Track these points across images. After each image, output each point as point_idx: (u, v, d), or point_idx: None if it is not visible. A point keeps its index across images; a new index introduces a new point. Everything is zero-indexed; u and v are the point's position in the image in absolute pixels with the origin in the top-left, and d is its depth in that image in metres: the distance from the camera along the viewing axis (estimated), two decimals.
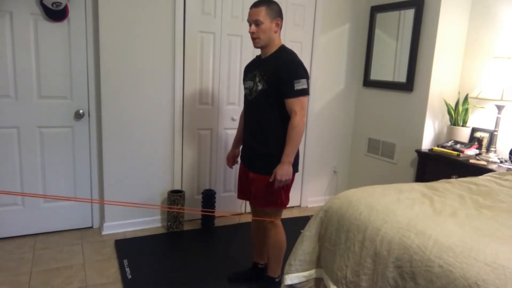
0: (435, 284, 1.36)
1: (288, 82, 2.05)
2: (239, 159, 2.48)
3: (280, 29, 2.17)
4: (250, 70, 2.27)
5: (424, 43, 3.14)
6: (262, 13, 2.06)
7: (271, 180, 2.10)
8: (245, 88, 2.29)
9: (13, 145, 2.82)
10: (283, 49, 2.17)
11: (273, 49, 2.16)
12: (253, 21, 2.08)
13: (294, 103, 2.06)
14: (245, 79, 2.31)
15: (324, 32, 3.64)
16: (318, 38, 3.61)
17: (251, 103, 2.22)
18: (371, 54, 3.68)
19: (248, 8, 2.50)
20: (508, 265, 1.25)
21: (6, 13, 2.65)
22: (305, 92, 2.08)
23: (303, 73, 2.08)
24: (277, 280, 2.35)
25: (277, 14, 2.12)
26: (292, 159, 2.11)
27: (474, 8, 3.09)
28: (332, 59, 3.73)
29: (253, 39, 2.13)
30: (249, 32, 2.12)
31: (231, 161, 2.54)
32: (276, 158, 2.13)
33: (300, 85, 2.05)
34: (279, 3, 2.16)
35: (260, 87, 2.14)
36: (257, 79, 2.16)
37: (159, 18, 2.98)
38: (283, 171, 2.08)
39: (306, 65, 3.57)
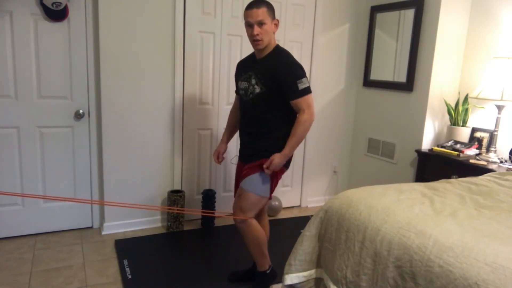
0: (435, 284, 1.36)
1: (292, 85, 2.07)
2: (225, 156, 2.45)
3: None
4: (244, 70, 2.26)
5: (424, 43, 3.13)
6: (265, 13, 2.04)
7: (265, 166, 2.12)
8: (239, 89, 2.28)
9: (13, 145, 2.82)
10: (278, 50, 2.16)
11: (269, 50, 2.16)
12: (256, 22, 2.04)
13: (301, 103, 2.09)
14: (238, 77, 2.31)
15: (324, 32, 3.64)
16: (318, 38, 3.61)
17: (247, 104, 2.21)
18: (371, 54, 3.68)
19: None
20: (508, 265, 1.25)
21: (6, 13, 2.65)
22: (308, 90, 2.11)
23: (302, 73, 2.10)
24: (268, 272, 2.38)
25: (274, 14, 2.13)
26: (292, 153, 2.15)
27: (474, 8, 3.09)
28: (332, 59, 3.73)
29: (256, 41, 2.08)
30: (253, 34, 2.06)
31: (220, 157, 2.48)
32: (272, 153, 2.15)
33: (302, 84, 2.08)
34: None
35: (257, 90, 2.14)
36: (253, 81, 2.16)
37: (159, 18, 2.98)
38: (281, 159, 2.11)
39: (306, 65, 3.58)
